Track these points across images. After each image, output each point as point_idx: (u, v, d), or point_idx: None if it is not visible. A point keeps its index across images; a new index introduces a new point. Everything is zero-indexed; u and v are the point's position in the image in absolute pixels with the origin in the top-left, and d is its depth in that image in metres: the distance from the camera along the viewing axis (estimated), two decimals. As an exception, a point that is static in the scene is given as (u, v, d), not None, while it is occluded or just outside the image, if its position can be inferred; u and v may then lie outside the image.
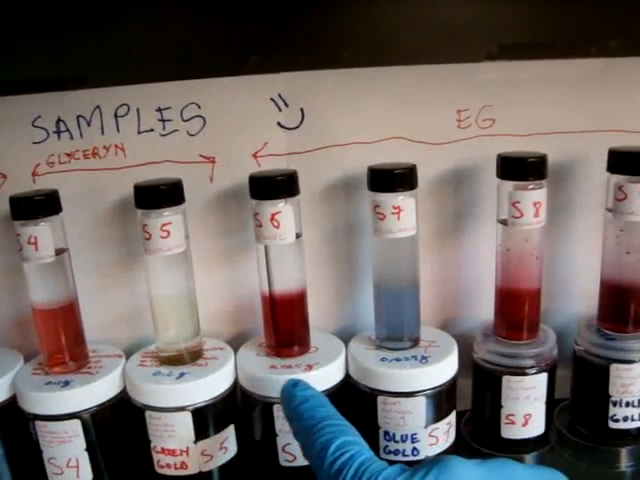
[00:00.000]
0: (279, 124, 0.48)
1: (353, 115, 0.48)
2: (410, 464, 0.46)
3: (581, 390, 0.50)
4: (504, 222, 0.46)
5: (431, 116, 0.49)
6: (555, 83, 0.49)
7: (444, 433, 0.47)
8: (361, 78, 0.47)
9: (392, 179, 0.44)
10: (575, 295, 0.53)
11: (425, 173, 0.48)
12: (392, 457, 0.47)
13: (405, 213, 0.44)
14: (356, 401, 0.47)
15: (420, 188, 0.46)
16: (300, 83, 0.47)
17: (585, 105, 0.49)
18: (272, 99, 0.48)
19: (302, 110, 0.48)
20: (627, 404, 0.48)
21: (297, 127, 0.48)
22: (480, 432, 0.50)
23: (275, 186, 0.44)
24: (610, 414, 0.48)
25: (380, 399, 0.46)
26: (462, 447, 0.50)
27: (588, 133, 0.49)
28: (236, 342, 0.50)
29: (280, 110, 0.48)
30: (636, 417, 0.48)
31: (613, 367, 0.47)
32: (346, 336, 0.50)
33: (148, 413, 0.45)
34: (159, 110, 0.47)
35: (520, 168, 0.45)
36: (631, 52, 0.49)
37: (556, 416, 0.51)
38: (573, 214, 0.51)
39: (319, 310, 0.50)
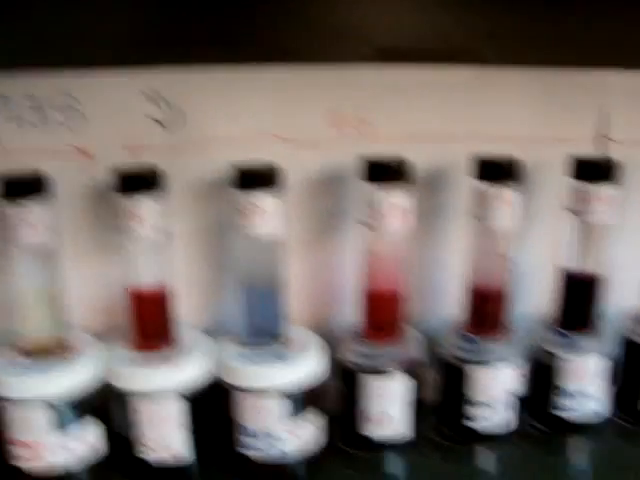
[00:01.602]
0: (154, 119, 0.48)
1: (229, 113, 0.48)
2: (268, 460, 0.47)
3: (444, 392, 0.51)
4: (367, 225, 0.46)
5: (306, 116, 0.49)
6: (431, 88, 0.49)
7: (304, 430, 0.47)
8: (238, 76, 0.47)
9: (254, 178, 0.44)
10: (446, 299, 0.54)
11: (298, 173, 0.49)
12: (251, 452, 0.47)
13: (268, 212, 0.45)
14: (218, 397, 0.47)
15: (293, 188, 0.46)
16: (177, 79, 0.47)
17: (459, 111, 0.50)
18: (148, 94, 0.47)
19: (178, 106, 0.48)
20: (484, 405, 0.49)
21: (173, 123, 0.48)
22: (346, 432, 0.51)
23: (138, 181, 0.44)
24: (468, 414, 0.49)
25: (239, 395, 0.46)
26: (330, 447, 0.50)
27: (460, 139, 0.50)
28: (106, 336, 0.50)
29: (156, 105, 0.48)
30: (494, 418, 0.49)
31: (471, 369, 0.48)
32: (219, 333, 0.50)
33: (4, 404, 0.45)
34: (32, 100, 0.46)
35: (382, 171, 0.45)
36: (506, 61, 0.49)
37: (423, 417, 0.52)
38: (444, 219, 0.52)
39: (190, 306, 0.51)
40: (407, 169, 0.45)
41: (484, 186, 0.46)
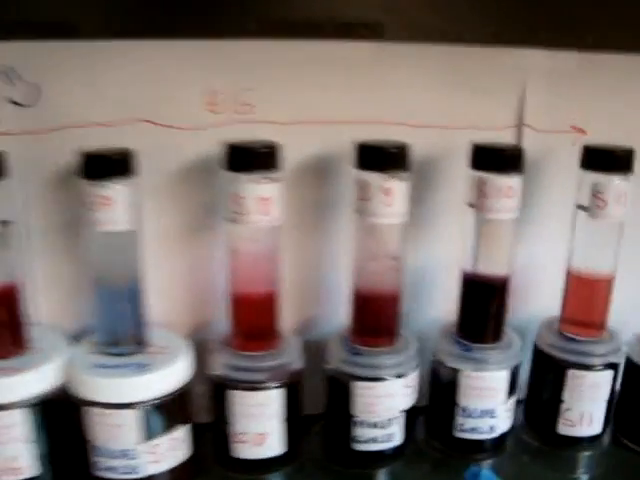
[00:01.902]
0: (11, 100, 0.43)
1: (93, 94, 0.43)
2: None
3: (329, 407, 0.46)
4: (232, 219, 0.41)
5: (180, 97, 0.43)
6: (323, 67, 0.44)
7: (168, 450, 0.42)
8: (102, 52, 0.42)
9: (103, 166, 0.39)
10: (334, 302, 0.47)
11: (168, 161, 0.44)
12: (105, 474, 0.42)
13: (119, 205, 0.40)
14: (70, 412, 0.42)
15: (163, 177, 0.41)
16: (34, 54, 0.42)
17: (354, 92, 0.44)
18: (2, 72, 0.43)
19: (37, 85, 0.43)
20: (372, 425, 0.43)
21: (32, 105, 0.43)
22: (218, 451, 0.45)
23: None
24: (354, 435, 0.44)
25: (90, 410, 0.41)
26: (200, 469, 0.45)
27: (352, 124, 0.44)
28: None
29: (12, 84, 0.43)
30: (381, 439, 0.44)
31: (356, 385, 0.42)
32: (82, 338, 0.45)
33: None
34: None
35: (247, 159, 0.39)
36: (410, 37, 0.44)
37: (306, 434, 0.46)
38: (331, 212, 0.46)
39: (51, 309, 0.46)
40: (277, 155, 0.40)
41: (366, 176, 0.40)
